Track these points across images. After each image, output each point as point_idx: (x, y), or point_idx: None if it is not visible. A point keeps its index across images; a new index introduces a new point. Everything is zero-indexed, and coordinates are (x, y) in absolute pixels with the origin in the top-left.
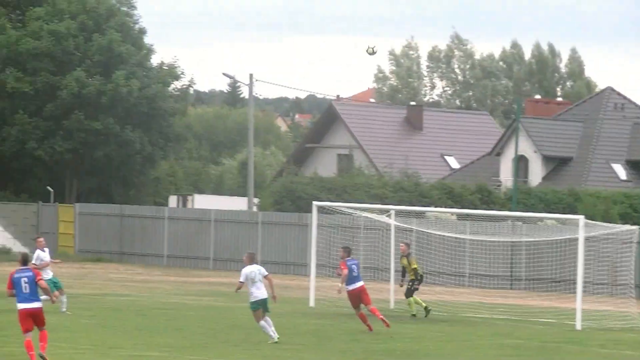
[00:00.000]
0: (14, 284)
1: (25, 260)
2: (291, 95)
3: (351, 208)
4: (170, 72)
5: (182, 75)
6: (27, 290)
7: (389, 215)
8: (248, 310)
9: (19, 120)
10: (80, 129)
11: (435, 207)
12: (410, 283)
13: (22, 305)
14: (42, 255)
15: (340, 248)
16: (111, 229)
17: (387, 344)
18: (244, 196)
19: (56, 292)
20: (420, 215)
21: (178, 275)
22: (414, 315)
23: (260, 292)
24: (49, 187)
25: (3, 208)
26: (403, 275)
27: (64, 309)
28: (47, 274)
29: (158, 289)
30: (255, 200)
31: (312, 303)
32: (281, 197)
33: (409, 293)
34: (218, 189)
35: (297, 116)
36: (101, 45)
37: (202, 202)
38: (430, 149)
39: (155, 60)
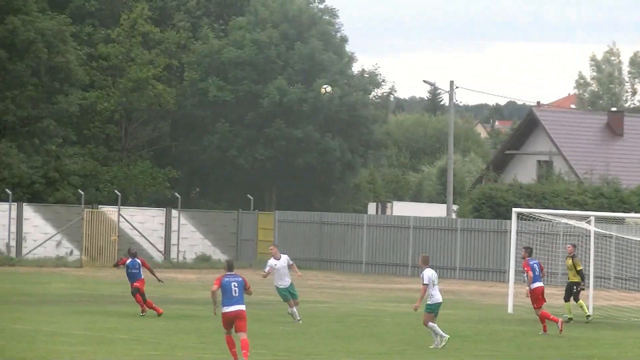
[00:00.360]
0: (222, 287)
1: (230, 266)
2: (491, 102)
3: (551, 214)
4: (371, 80)
5: (382, 83)
6: (237, 294)
7: (588, 222)
8: (446, 317)
9: (220, 128)
10: (281, 137)
11: (636, 213)
12: (576, 286)
13: (228, 309)
14: (272, 263)
15: (522, 248)
16: (310, 236)
17: (585, 350)
18: (443, 203)
19: (291, 301)
20: (620, 221)
21: (376, 282)
22: (570, 318)
23: (439, 295)
24: (249, 195)
25: (203, 216)
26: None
27: (298, 319)
28: (285, 282)
29: (356, 296)
30: (454, 207)
31: (510, 310)
32: (480, 204)
33: (576, 296)
34: (417, 196)
35: (497, 123)
36: (303, 54)
37: (401, 209)
38: (631, 155)
39: (356, 68)
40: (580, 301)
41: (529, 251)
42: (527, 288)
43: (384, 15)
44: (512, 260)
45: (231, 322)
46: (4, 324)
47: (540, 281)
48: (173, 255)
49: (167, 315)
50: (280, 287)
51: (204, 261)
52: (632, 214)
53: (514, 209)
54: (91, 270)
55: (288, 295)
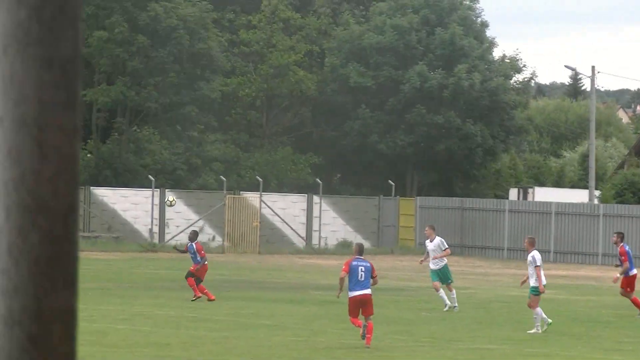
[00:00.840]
0: (350, 270)
1: (360, 250)
2: (633, 86)
3: None
4: (512, 65)
5: (523, 68)
6: (363, 278)
7: None
8: (588, 304)
9: (361, 114)
10: (422, 122)
11: None
12: None
13: (354, 293)
14: (426, 244)
15: (614, 233)
16: (451, 222)
17: None
18: (585, 189)
19: (436, 284)
20: None
21: (518, 267)
22: None
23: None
24: (390, 181)
25: (345, 202)
26: None
27: (448, 304)
28: (435, 264)
29: (498, 282)
30: (596, 193)
31: None
32: (622, 190)
33: None
34: (559, 182)
35: (638, 108)
36: (443, 39)
37: (542, 194)
38: None
39: (497, 54)
40: None
41: (620, 236)
42: (618, 275)
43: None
44: None
45: (358, 306)
46: (148, 309)
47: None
48: (314, 241)
49: (309, 301)
50: (431, 269)
51: (345, 247)
52: None
53: None
54: (233, 256)
55: (435, 277)
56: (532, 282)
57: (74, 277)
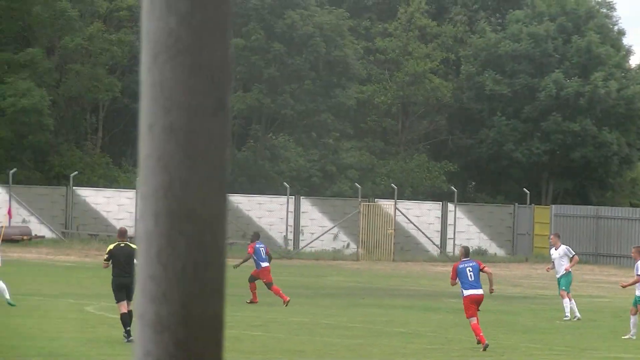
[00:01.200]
0: (458, 273)
1: (466, 252)
2: None
3: None
4: None
5: None
6: (472, 278)
7: None
8: None
9: (497, 122)
10: (558, 130)
11: None
12: None
13: (468, 292)
14: (552, 253)
15: None
16: (586, 231)
17: None
18: None
19: (562, 292)
20: None
21: None
22: None
23: None
24: (525, 189)
25: (479, 209)
26: None
27: (567, 315)
28: (560, 271)
29: (633, 291)
30: None
31: None
32: None
33: None
34: None
35: None
36: (580, 47)
37: None
38: None
39: (633, 62)
40: None
41: None
42: None
43: None
44: None
45: (473, 304)
46: (283, 316)
47: None
48: (449, 249)
49: (443, 308)
50: (557, 276)
51: (479, 255)
52: None
53: None
54: (367, 264)
55: (560, 284)
56: (638, 292)
57: (221, 284)
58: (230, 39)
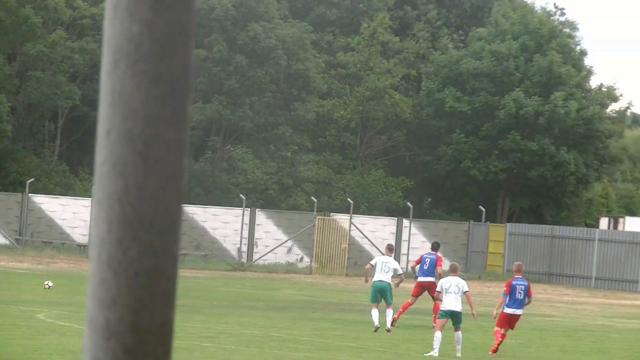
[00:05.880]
0: (510, 289)
1: (518, 269)
2: None
3: None
4: (609, 94)
5: (620, 97)
6: (521, 297)
7: None
8: None
9: (455, 139)
10: (516, 149)
11: None
12: None
13: (509, 310)
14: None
15: None
16: (541, 250)
17: None
18: None
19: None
20: None
21: (605, 297)
22: None
23: (448, 303)
24: (480, 207)
25: (435, 226)
26: None
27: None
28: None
29: (584, 311)
30: None
31: None
32: None
33: None
34: None
35: None
36: (541, 66)
37: (633, 224)
38: None
39: (594, 82)
40: None
41: None
42: None
43: (623, 29)
44: None
45: (507, 322)
46: (234, 328)
47: None
48: (402, 264)
49: (396, 324)
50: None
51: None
52: None
53: None
54: (320, 278)
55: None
56: (446, 306)
57: (172, 292)
58: (192, 48)
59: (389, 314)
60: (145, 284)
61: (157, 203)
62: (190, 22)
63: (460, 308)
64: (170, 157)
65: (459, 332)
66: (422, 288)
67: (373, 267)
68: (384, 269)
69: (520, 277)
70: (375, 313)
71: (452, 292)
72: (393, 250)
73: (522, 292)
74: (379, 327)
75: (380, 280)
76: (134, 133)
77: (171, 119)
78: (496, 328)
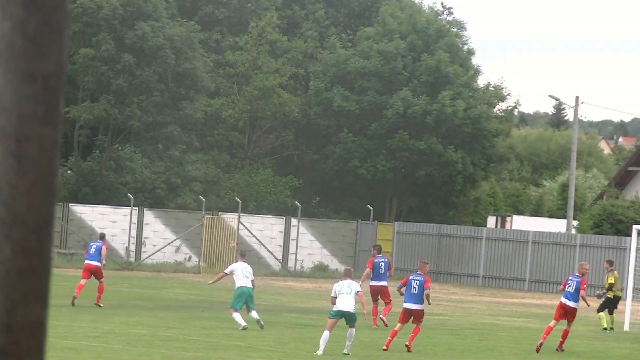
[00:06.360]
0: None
1: (422, 267)
2: (616, 118)
3: None
4: (496, 93)
5: (507, 97)
6: (416, 292)
7: None
8: (559, 333)
9: (343, 138)
10: (404, 148)
11: None
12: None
13: (406, 305)
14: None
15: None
16: (428, 248)
17: None
18: (563, 218)
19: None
20: None
21: (493, 295)
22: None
23: (340, 303)
24: (369, 206)
25: (323, 225)
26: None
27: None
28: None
29: (472, 309)
30: (574, 223)
31: (627, 327)
32: (600, 220)
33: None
34: (537, 211)
35: (620, 139)
36: (429, 66)
37: (520, 223)
38: None
39: (481, 82)
40: (601, 314)
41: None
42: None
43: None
44: (631, 277)
45: (408, 316)
46: (122, 327)
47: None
48: (290, 264)
49: (282, 323)
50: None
51: (321, 270)
52: None
53: (634, 226)
54: (209, 277)
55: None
56: (339, 307)
57: (45, 291)
58: (66, 47)
59: (254, 314)
60: (18, 283)
61: (30, 202)
62: (63, 20)
63: (352, 308)
64: (44, 156)
65: (352, 330)
66: (377, 293)
67: (228, 274)
68: (245, 274)
69: (420, 273)
70: (237, 316)
71: (345, 292)
72: (244, 255)
73: (417, 287)
74: (247, 326)
75: (243, 286)
76: (7, 132)
77: (44, 118)
78: (399, 324)
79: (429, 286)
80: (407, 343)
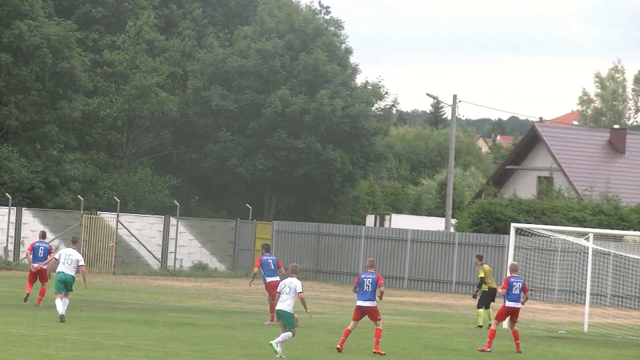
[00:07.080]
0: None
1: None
2: (493, 116)
3: (549, 230)
4: (374, 92)
5: (385, 95)
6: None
7: (587, 239)
8: (441, 331)
9: (221, 137)
10: (282, 147)
11: (635, 230)
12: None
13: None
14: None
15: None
16: (307, 247)
17: None
18: (442, 217)
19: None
20: (618, 238)
21: None
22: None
23: (280, 303)
24: (247, 205)
25: (202, 224)
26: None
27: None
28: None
29: (351, 308)
30: (453, 221)
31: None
32: (479, 218)
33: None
34: (416, 209)
35: (498, 137)
36: (307, 64)
37: (399, 221)
38: (632, 173)
39: (359, 80)
40: (480, 310)
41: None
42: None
43: (389, 28)
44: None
45: (361, 313)
46: (1, 327)
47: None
48: (170, 263)
49: (162, 322)
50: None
51: (200, 269)
52: (631, 232)
53: (512, 224)
54: (88, 276)
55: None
56: (279, 306)
57: None
58: None
59: (66, 303)
60: None
61: None
62: None
63: (289, 308)
64: None
65: (288, 333)
66: (273, 288)
67: (57, 260)
68: (67, 261)
69: (372, 271)
70: (59, 303)
71: (284, 292)
72: (76, 242)
73: (370, 285)
74: (63, 315)
75: (62, 272)
76: None
77: None
78: (352, 322)
79: (382, 283)
80: (375, 350)
